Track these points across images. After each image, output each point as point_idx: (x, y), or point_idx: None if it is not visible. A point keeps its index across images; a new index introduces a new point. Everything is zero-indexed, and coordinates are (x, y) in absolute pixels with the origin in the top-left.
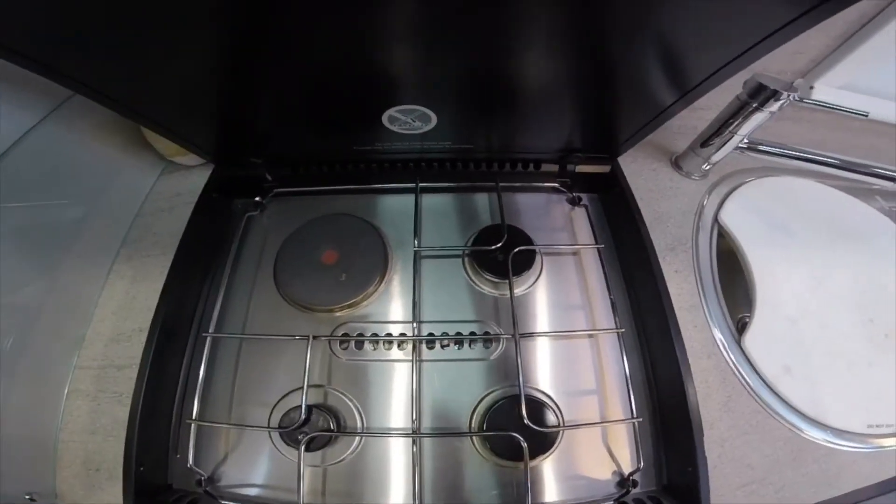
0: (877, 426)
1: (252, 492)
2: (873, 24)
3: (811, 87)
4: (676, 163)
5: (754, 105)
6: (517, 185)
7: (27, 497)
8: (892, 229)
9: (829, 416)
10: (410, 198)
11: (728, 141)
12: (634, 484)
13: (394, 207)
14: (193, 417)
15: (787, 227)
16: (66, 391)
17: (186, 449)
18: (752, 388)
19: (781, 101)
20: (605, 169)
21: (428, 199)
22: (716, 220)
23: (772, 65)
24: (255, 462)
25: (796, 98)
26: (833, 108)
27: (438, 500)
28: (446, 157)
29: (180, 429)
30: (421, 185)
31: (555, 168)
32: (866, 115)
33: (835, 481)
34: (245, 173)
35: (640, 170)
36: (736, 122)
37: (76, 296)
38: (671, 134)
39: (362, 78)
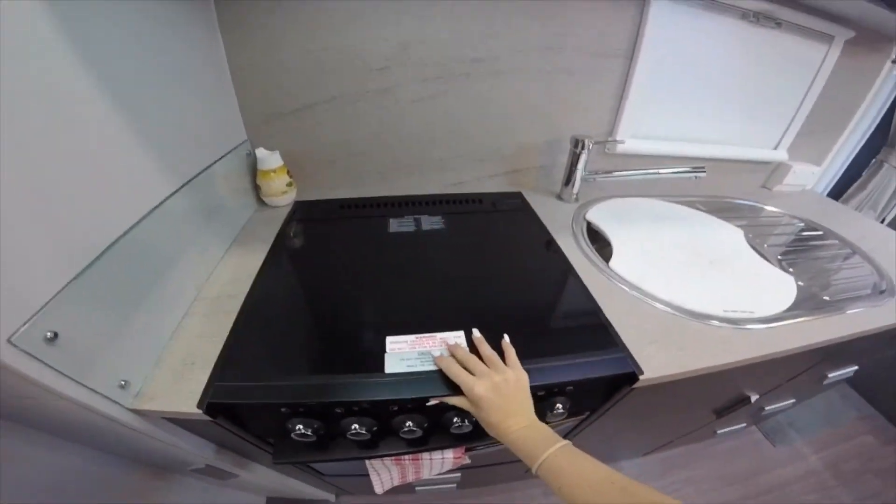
0: (732, 311)
1: None
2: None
3: (614, 139)
4: (559, 195)
5: (577, 151)
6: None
7: (121, 382)
8: (707, 218)
9: (687, 303)
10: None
11: (576, 175)
12: None
13: None
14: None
15: (626, 216)
16: (185, 312)
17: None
18: (623, 286)
19: (588, 145)
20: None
21: None
22: (584, 217)
23: (590, 129)
24: None
25: (594, 142)
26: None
27: None
28: None
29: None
30: None
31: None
32: (623, 142)
33: (723, 351)
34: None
35: (540, 202)
36: (574, 164)
37: (206, 254)
38: (552, 182)
39: None
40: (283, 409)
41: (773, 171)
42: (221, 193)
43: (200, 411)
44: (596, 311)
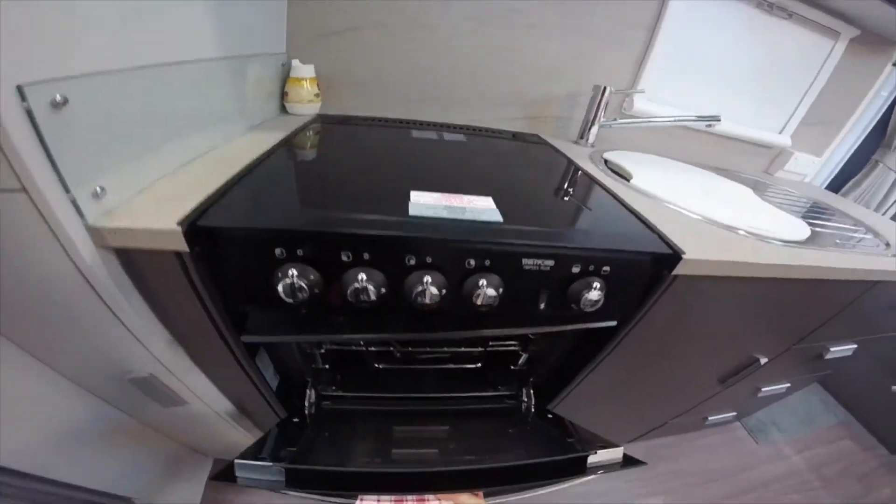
0: (756, 228)
1: None
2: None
3: (634, 93)
4: (576, 141)
5: (598, 97)
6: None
7: (97, 189)
8: (717, 176)
9: (712, 216)
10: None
11: (595, 121)
12: None
13: None
14: None
15: (641, 164)
16: (189, 160)
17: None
18: (649, 199)
19: (608, 92)
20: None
21: None
22: (601, 157)
23: (613, 82)
24: None
25: (614, 91)
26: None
27: None
28: None
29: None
30: None
31: None
32: (643, 91)
33: (756, 254)
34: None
35: (558, 143)
36: (594, 109)
37: (223, 122)
38: (569, 133)
39: None
40: (277, 251)
41: (776, 156)
42: (250, 85)
43: (180, 229)
44: (627, 208)
